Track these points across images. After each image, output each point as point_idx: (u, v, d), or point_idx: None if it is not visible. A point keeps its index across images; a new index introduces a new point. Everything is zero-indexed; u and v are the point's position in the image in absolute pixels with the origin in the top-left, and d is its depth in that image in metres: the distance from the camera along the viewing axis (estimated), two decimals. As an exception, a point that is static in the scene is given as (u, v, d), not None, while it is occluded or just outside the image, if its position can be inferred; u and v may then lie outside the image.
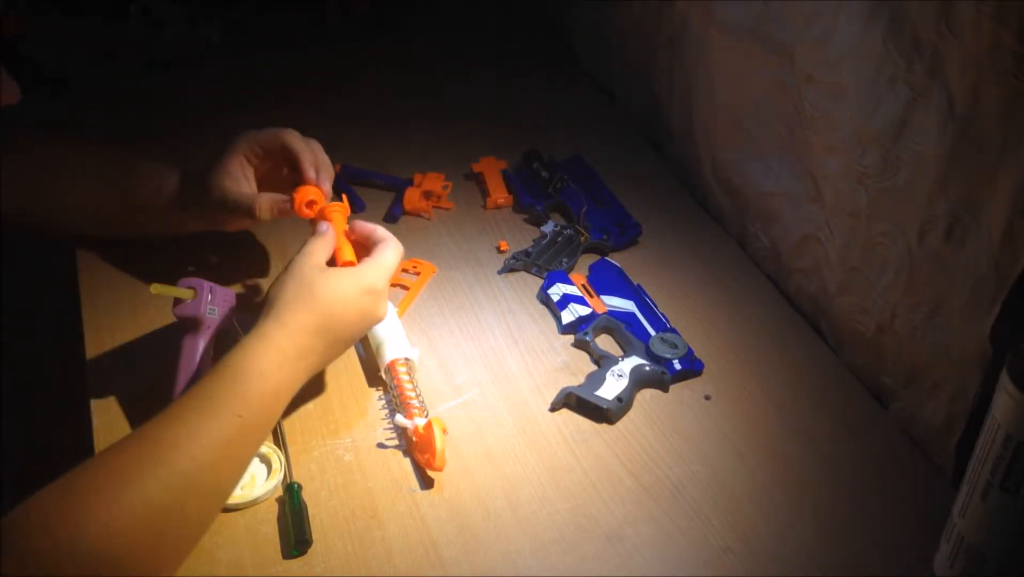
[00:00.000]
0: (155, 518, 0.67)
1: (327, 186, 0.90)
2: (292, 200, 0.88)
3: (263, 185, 0.94)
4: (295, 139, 0.91)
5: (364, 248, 0.85)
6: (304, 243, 0.82)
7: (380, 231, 0.86)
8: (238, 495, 0.77)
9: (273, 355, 0.75)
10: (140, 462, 0.68)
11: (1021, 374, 0.59)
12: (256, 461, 0.80)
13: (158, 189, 0.95)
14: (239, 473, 0.75)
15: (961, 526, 0.66)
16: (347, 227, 0.87)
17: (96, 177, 0.97)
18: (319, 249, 0.82)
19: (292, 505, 0.77)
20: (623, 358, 0.90)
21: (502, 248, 1.06)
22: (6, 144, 0.95)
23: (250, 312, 0.94)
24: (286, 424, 0.84)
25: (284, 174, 0.93)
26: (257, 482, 0.79)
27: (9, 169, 0.94)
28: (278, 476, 0.79)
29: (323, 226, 0.84)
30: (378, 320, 0.83)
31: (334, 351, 0.81)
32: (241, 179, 0.92)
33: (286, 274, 0.79)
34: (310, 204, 0.88)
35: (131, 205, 0.96)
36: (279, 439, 0.83)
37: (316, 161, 0.90)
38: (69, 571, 0.63)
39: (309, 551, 0.74)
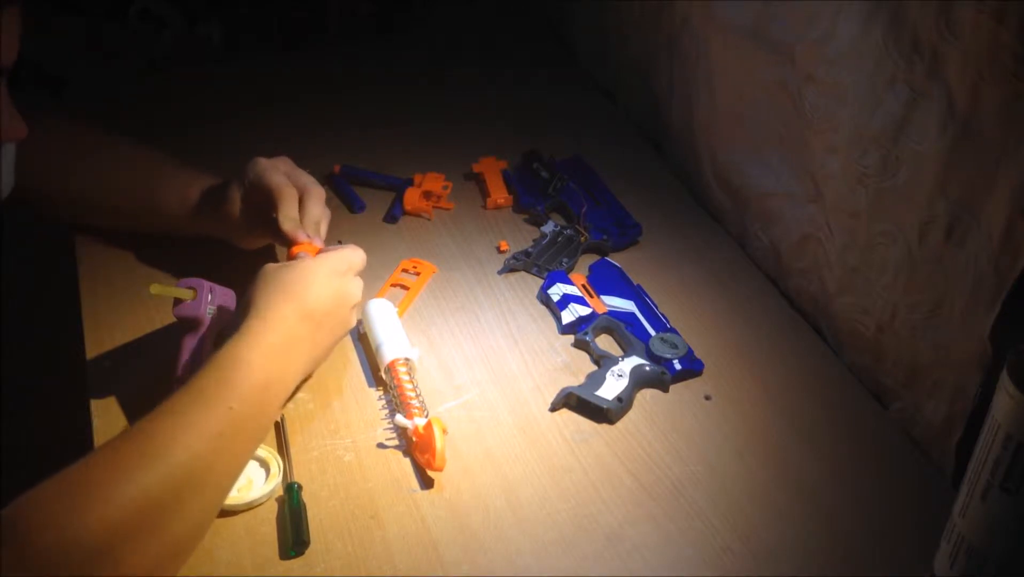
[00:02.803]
0: (153, 512, 0.67)
1: (323, 231, 0.94)
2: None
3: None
4: (286, 203, 0.90)
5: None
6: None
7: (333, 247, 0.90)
8: (235, 497, 0.77)
9: (261, 347, 0.77)
10: (136, 456, 0.68)
11: (1021, 374, 0.59)
12: (254, 464, 0.80)
13: (183, 197, 0.96)
14: (235, 467, 0.75)
15: (961, 526, 0.66)
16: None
17: (122, 171, 0.98)
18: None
19: (291, 505, 0.77)
20: (623, 358, 0.90)
21: (502, 248, 1.06)
22: (42, 125, 0.96)
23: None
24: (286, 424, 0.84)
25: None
26: (255, 485, 0.79)
27: (40, 149, 0.95)
28: (276, 479, 0.79)
29: (302, 255, 0.88)
30: (353, 301, 0.86)
31: (320, 339, 0.83)
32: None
33: (258, 277, 0.82)
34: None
35: (152, 206, 0.97)
36: (282, 439, 0.83)
37: (300, 226, 0.91)
38: (68, 566, 0.63)
39: (309, 551, 0.74)
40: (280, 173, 0.92)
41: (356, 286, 0.87)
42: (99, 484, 0.66)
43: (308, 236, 0.90)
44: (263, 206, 0.91)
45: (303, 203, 0.92)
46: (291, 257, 0.89)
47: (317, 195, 0.93)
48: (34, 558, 0.62)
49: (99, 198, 0.99)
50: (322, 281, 0.83)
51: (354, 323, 0.89)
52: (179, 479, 0.69)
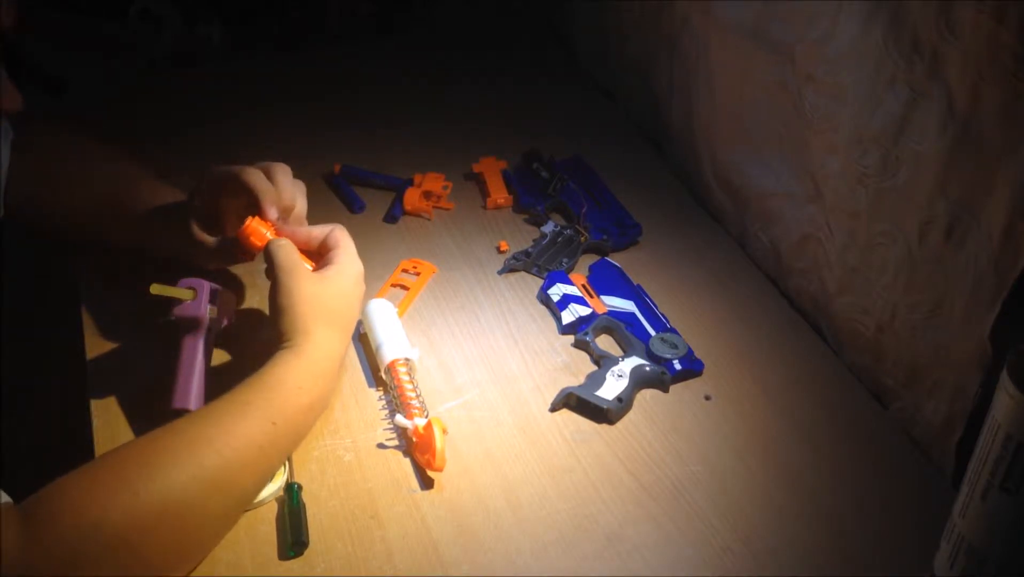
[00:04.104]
0: (178, 511, 0.67)
1: (301, 204, 0.89)
2: (241, 236, 0.85)
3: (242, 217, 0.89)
4: (256, 178, 0.85)
5: (306, 243, 0.87)
6: (280, 264, 0.82)
7: (316, 229, 0.87)
8: None
9: (312, 371, 0.79)
10: (169, 454, 0.69)
11: (1021, 374, 0.59)
12: None
13: (149, 213, 0.93)
14: (264, 480, 0.76)
15: (961, 526, 0.66)
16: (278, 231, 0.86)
17: (100, 190, 0.96)
18: (297, 260, 0.83)
19: (290, 505, 0.77)
20: (623, 358, 0.90)
21: (502, 248, 1.06)
22: (28, 137, 0.96)
23: (250, 316, 0.94)
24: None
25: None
26: None
27: (26, 161, 0.94)
28: (282, 479, 0.79)
29: (281, 241, 0.84)
30: (360, 297, 0.87)
31: (345, 342, 0.85)
32: (214, 223, 0.90)
33: (293, 287, 0.80)
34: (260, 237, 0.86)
35: (130, 223, 0.95)
36: None
37: (279, 198, 0.86)
38: (90, 554, 0.63)
39: (309, 551, 0.74)
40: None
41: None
42: (127, 476, 0.66)
43: (276, 217, 0.85)
44: (229, 200, 0.88)
45: (271, 176, 0.86)
46: (252, 244, 0.85)
47: (283, 168, 0.88)
48: (56, 541, 0.63)
49: (72, 211, 0.97)
50: (356, 296, 0.85)
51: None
52: (207, 482, 0.69)
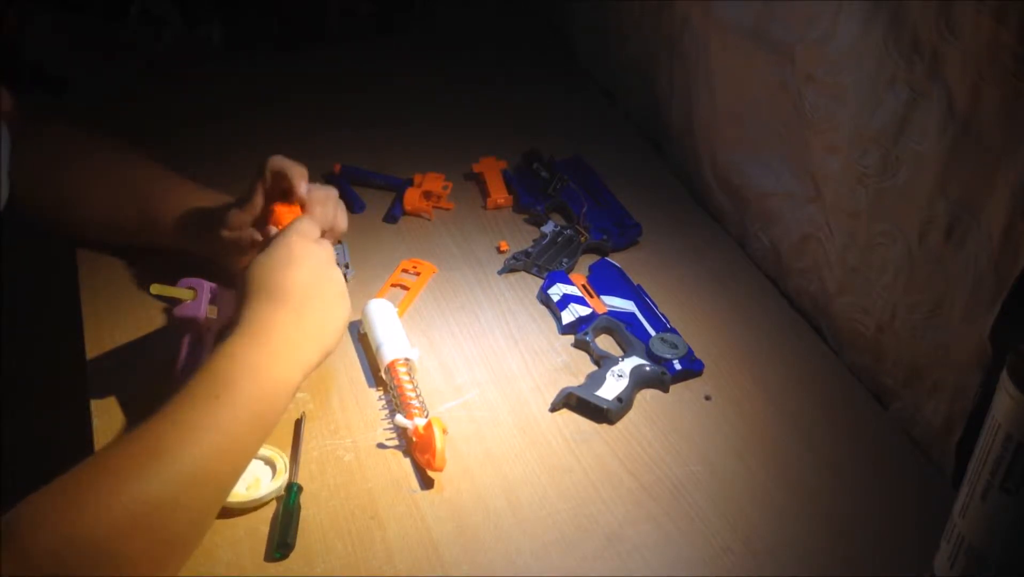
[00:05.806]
0: (151, 513, 0.67)
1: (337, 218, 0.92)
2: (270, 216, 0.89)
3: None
4: (286, 161, 0.90)
5: None
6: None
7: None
8: (243, 495, 0.77)
9: (242, 338, 0.76)
10: (136, 458, 0.69)
11: (1021, 374, 0.59)
12: (261, 463, 0.80)
13: (179, 214, 0.94)
14: (236, 466, 0.74)
15: (961, 526, 0.66)
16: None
17: (117, 183, 0.97)
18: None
19: (285, 505, 0.77)
20: (623, 358, 0.90)
21: (502, 248, 1.06)
22: (40, 136, 0.96)
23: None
24: (286, 423, 0.84)
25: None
26: (262, 484, 0.79)
27: (38, 162, 0.94)
28: (282, 477, 0.79)
29: (271, 231, 0.86)
30: (327, 265, 0.82)
31: (310, 318, 0.79)
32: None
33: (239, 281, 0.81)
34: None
35: (147, 221, 0.96)
36: (297, 437, 0.83)
37: (306, 174, 0.90)
38: (72, 567, 0.63)
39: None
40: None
41: (322, 249, 0.83)
42: (97, 488, 0.66)
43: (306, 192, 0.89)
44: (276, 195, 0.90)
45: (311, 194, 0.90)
46: (272, 218, 0.88)
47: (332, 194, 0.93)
48: (34, 559, 0.62)
49: (92, 210, 0.98)
50: (283, 261, 0.80)
51: (344, 285, 0.83)
52: (176, 480, 0.69)
